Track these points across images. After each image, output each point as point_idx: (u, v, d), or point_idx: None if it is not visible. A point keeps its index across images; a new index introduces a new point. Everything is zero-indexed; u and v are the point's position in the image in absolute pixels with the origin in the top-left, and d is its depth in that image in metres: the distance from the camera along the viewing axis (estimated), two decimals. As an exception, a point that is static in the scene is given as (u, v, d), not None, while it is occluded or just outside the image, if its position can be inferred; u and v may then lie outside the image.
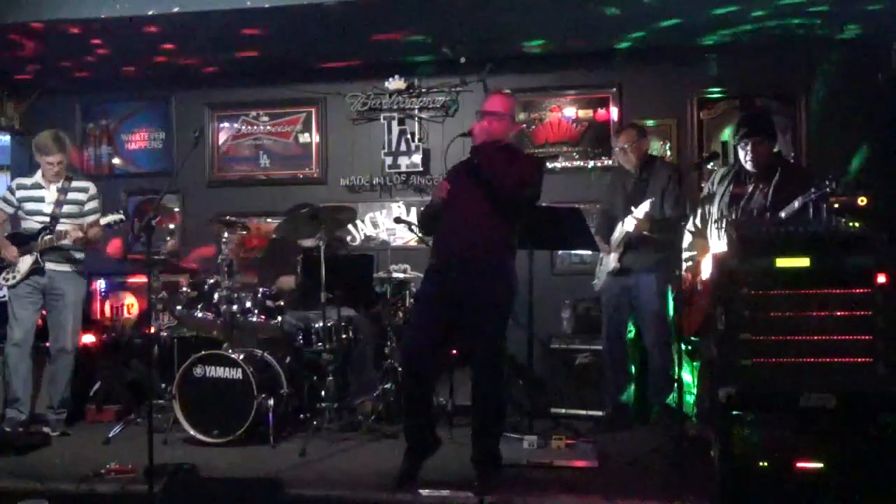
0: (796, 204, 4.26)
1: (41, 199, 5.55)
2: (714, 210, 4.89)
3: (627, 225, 5.32)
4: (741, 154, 4.80)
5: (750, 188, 4.77)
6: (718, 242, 4.76)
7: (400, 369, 5.68)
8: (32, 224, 5.53)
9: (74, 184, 5.62)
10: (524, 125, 4.48)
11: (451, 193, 4.36)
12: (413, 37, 6.09)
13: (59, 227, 5.47)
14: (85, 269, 5.72)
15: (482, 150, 4.34)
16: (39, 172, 5.59)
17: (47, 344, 5.64)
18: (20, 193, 5.60)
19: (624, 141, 5.48)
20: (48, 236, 5.45)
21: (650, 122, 6.32)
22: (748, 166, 4.78)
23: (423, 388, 4.41)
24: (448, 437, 4.77)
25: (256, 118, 7.14)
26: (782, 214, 4.34)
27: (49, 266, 5.48)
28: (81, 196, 5.61)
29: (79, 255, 5.61)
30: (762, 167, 4.73)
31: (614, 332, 5.55)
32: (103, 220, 5.43)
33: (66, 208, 5.54)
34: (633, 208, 5.25)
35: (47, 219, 5.50)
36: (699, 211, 5.01)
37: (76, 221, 5.51)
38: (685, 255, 4.89)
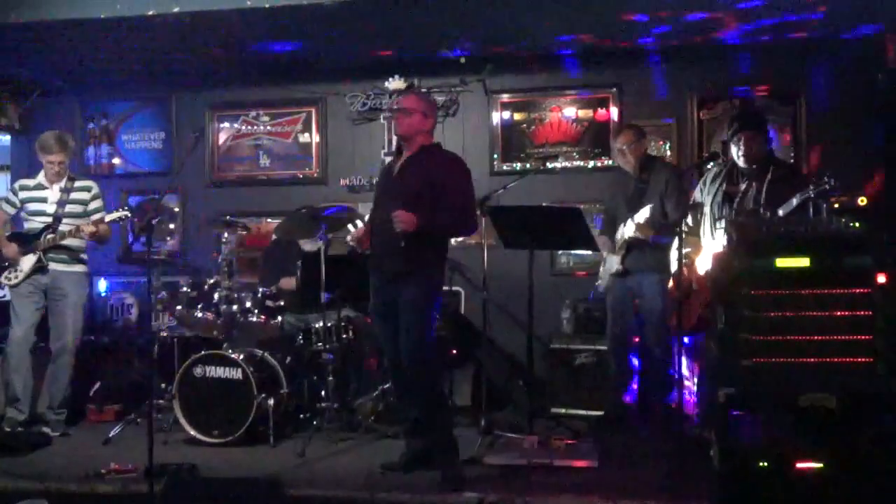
0: (794, 201, 4.27)
1: (44, 200, 5.56)
2: (707, 209, 4.90)
3: (627, 230, 5.32)
4: (734, 150, 4.83)
5: (743, 187, 4.78)
6: (712, 241, 4.78)
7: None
8: (35, 224, 5.53)
9: (77, 184, 5.63)
10: (438, 122, 4.60)
11: (376, 195, 4.63)
12: (413, 36, 6.10)
13: (63, 228, 5.48)
14: (89, 269, 5.72)
15: (405, 152, 4.52)
16: (42, 173, 5.60)
17: (48, 344, 5.64)
18: (23, 194, 5.60)
19: (622, 142, 5.48)
20: (51, 235, 5.45)
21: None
22: (741, 162, 4.80)
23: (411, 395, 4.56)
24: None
25: (256, 118, 7.14)
26: (780, 212, 4.35)
27: (53, 266, 5.48)
28: (84, 195, 5.62)
29: (83, 256, 5.62)
30: (755, 164, 4.75)
31: (618, 332, 5.55)
32: (108, 217, 5.47)
33: (69, 208, 5.55)
34: (633, 214, 5.26)
35: (50, 219, 5.51)
36: (690, 210, 5.01)
37: (79, 221, 5.51)
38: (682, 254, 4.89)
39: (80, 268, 5.59)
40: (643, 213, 5.19)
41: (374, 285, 4.57)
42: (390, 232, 4.26)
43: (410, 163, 4.50)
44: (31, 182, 5.65)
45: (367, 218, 4.88)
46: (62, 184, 5.57)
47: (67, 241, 5.46)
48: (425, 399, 4.42)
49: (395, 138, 6.72)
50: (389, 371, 4.75)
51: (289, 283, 5.82)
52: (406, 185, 4.43)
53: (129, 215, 5.49)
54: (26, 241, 5.49)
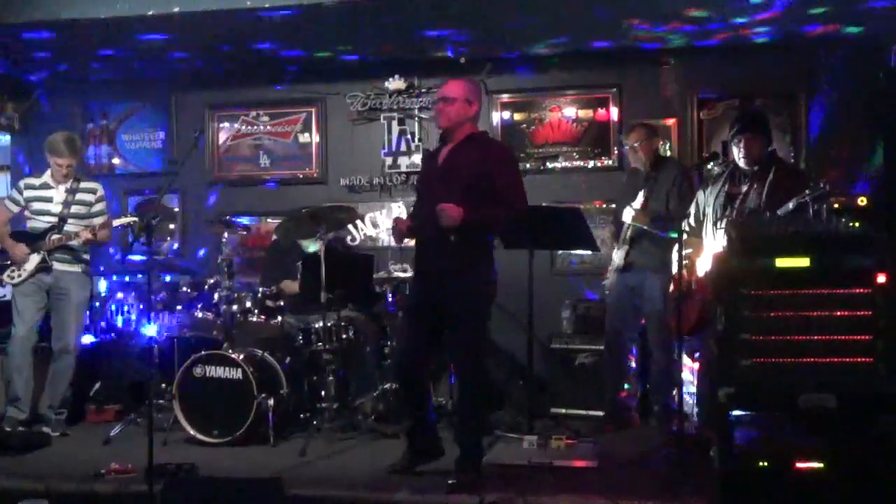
0: (791, 205, 4.30)
1: (49, 200, 5.56)
2: (709, 210, 4.90)
3: (626, 216, 5.35)
4: (735, 151, 4.83)
5: (744, 188, 4.79)
6: (713, 242, 4.78)
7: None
8: (39, 224, 5.53)
9: (83, 185, 5.63)
10: (477, 107, 4.31)
11: (421, 188, 4.47)
12: (413, 36, 6.10)
13: (67, 228, 5.48)
14: (91, 270, 5.73)
15: (447, 142, 4.35)
16: (48, 172, 5.60)
17: (49, 343, 5.64)
18: (28, 193, 5.60)
19: (634, 139, 5.49)
20: (56, 236, 5.45)
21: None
22: (742, 164, 4.81)
23: (417, 396, 4.51)
24: (448, 437, 4.76)
25: (256, 118, 7.14)
26: (778, 214, 4.36)
27: (56, 266, 5.48)
28: (89, 197, 5.62)
29: (86, 256, 5.62)
30: (756, 165, 4.75)
31: (615, 331, 5.56)
32: (116, 222, 5.49)
33: (73, 209, 5.55)
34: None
35: (55, 219, 5.51)
36: (692, 210, 5.03)
37: (83, 222, 5.52)
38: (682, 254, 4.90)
39: (82, 268, 5.59)
40: (638, 199, 5.24)
41: (415, 285, 4.46)
42: (436, 227, 4.09)
43: (456, 152, 4.28)
44: (36, 181, 5.65)
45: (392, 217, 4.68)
46: (68, 184, 5.57)
47: (71, 242, 5.46)
48: (469, 408, 4.35)
49: (394, 137, 6.83)
50: (397, 369, 4.66)
51: (291, 286, 5.82)
52: (452, 175, 4.20)
53: (137, 220, 5.50)
54: (30, 240, 5.49)
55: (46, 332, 5.62)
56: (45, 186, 5.59)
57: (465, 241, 4.13)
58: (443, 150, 4.38)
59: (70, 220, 5.52)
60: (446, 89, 4.34)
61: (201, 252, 7.09)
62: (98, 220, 5.55)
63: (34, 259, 5.46)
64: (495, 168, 4.22)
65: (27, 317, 5.49)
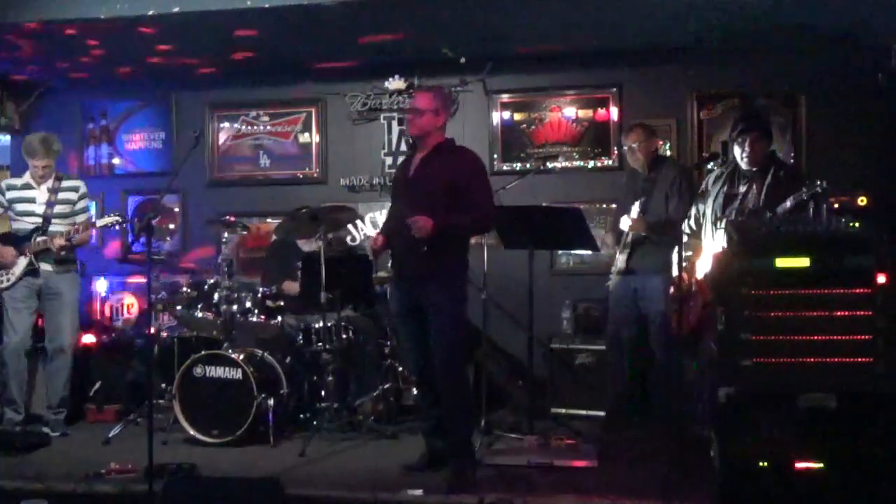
0: (788, 203, 4.31)
1: (32, 200, 5.54)
2: (708, 211, 4.91)
3: (623, 224, 5.35)
4: (738, 151, 4.83)
5: (743, 189, 4.79)
6: (713, 243, 4.78)
7: (400, 369, 5.73)
8: (24, 225, 5.52)
9: (65, 183, 5.61)
10: (446, 118, 4.52)
11: (393, 195, 4.65)
12: (413, 37, 6.10)
13: (52, 228, 5.46)
14: (80, 268, 5.73)
15: (419, 151, 4.47)
16: (28, 173, 5.59)
17: (45, 344, 5.64)
18: (10, 194, 5.59)
19: (632, 140, 5.49)
20: (41, 238, 5.44)
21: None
22: (744, 164, 4.81)
23: (433, 395, 4.53)
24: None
25: (256, 118, 7.13)
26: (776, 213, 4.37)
27: (44, 266, 5.47)
28: (72, 195, 5.61)
29: (73, 255, 5.60)
30: (757, 165, 4.75)
31: (616, 332, 5.56)
32: (100, 222, 5.46)
33: (57, 208, 5.54)
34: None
35: (39, 219, 5.50)
36: (693, 212, 5.03)
37: (67, 221, 5.51)
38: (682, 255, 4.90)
39: (70, 267, 5.58)
40: (635, 208, 5.24)
41: (393, 291, 4.57)
42: (409, 235, 4.21)
43: (426, 163, 4.43)
44: (17, 182, 5.63)
45: (382, 221, 4.79)
46: (49, 184, 5.56)
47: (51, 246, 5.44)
48: (452, 402, 4.38)
49: (394, 137, 6.83)
50: (416, 370, 4.70)
51: (291, 286, 5.82)
52: (422, 186, 4.36)
53: (121, 220, 5.49)
54: (16, 242, 5.48)
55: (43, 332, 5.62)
56: (27, 187, 5.57)
57: (437, 248, 4.23)
58: (414, 158, 4.52)
59: (54, 220, 5.50)
60: (416, 101, 4.52)
61: (201, 252, 7.08)
62: (81, 219, 5.53)
63: (21, 262, 5.44)
64: (464, 176, 4.36)
65: (20, 319, 5.48)
